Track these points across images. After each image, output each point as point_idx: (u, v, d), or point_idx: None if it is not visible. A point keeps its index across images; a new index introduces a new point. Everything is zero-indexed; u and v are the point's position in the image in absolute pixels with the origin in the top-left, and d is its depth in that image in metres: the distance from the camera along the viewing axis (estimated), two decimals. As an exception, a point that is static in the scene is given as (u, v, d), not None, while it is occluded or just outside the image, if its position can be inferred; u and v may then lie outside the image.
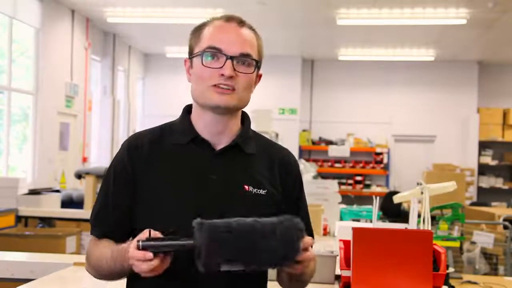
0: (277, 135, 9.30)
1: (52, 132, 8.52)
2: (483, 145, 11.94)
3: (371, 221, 2.82)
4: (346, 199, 6.30)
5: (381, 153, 12.08)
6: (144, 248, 1.20)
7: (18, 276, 2.83)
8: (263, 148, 1.53)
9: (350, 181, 12.07)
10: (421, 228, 2.51)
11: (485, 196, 11.27)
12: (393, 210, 4.86)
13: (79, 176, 5.67)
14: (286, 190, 1.50)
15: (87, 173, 5.52)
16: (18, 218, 5.53)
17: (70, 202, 6.14)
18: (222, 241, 1.18)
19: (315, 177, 6.61)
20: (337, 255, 2.35)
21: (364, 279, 1.86)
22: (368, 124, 12.29)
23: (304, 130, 12.44)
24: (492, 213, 6.66)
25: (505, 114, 11.80)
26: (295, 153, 11.21)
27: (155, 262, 1.21)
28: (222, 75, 1.38)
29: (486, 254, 5.16)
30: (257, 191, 1.44)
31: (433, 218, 2.72)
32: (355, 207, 5.11)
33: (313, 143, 12.40)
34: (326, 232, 4.18)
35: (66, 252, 4.74)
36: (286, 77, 12.01)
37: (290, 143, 10.98)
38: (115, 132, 10.63)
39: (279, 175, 1.50)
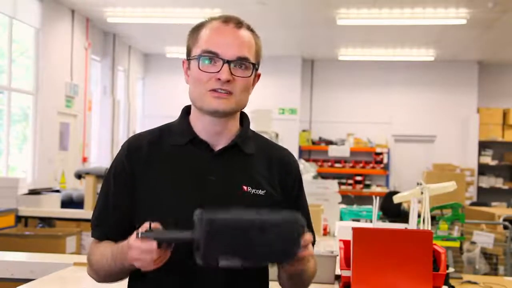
0: (277, 135, 9.28)
1: (52, 132, 8.52)
2: (483, 145, 11.94)
3: (371, 221, 2.82)
4: (346, 199, 6.30)
5: (381, 153, 12.08)
6: (144, 239, 1.21)
7: (18, 276, 2.83)
8: (262, 148, 1.53)
9: (350, 181, 12.06)
10: (421, 228, 2.51)
11: (485, 196, 11.26)
12: (393, 210, 4.85)
13: (79, 176, 5.67)
14: (286, 190, 1.50)
15: (87, 173, 5.51)
16: (18, 218, 5.53)
17: (70, 202, 6.15)
18: (220, 235, 1.18)
19: (315, 177, 6.60)
20: (337, 255, 2.35)
21: (364, 279, 1.86)
22: (368, 124, 12.29)
23: (304, 130, 12.44)
24: (492, 213, 6.66)
25: (505, 114, 11.79)
26: (295, 153, 11.21)
27: (159, 252, 1.21)
28: (219, 79, 1.38)
29: (486, 254, 5.16)
30: (255, 191, 1.44)
31: (433, 218, 2.72)
32: (355, 207, 5.11)
33: (313, 143, 12.40)
34: (326, 232, 4.19)
35: (66, 252, 4.75)
36: (286, 77, 12.01)
37: (290, 143, 10.96)
38: (115, 132, 10.63)
39: (278, 175, 1.50)
